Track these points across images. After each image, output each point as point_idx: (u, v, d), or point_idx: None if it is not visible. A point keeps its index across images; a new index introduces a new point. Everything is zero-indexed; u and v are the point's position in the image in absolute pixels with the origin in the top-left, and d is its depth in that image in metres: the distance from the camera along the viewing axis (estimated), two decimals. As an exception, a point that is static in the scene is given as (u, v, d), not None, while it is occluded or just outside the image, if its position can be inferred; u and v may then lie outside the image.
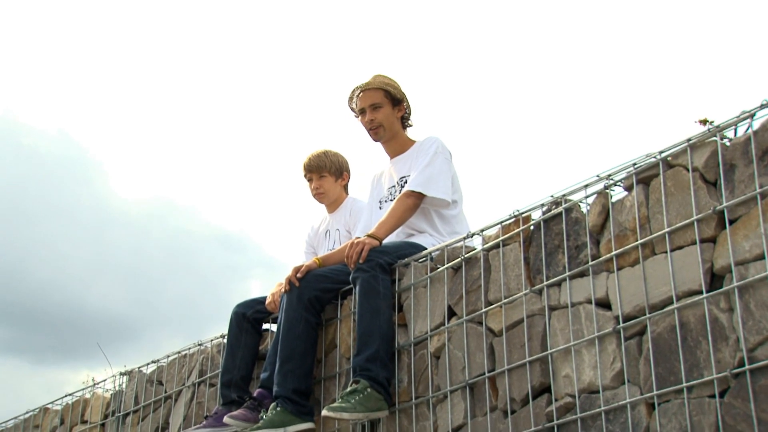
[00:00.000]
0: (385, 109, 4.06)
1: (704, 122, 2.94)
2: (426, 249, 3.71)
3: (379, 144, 4.20)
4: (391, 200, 4.07)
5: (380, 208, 4.15)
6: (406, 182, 3.99)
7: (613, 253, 2.85)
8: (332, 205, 4.63)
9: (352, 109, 4.19)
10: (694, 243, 2.63)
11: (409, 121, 4.18)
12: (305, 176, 4.62)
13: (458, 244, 3.48)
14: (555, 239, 3.07)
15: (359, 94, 4.13)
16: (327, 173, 4.58)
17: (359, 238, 3.72)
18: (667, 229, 2.71)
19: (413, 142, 4.14)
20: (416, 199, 3.85)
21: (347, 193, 4.67)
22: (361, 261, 3.57)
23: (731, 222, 2.57)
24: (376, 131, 4.08)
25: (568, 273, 2.98)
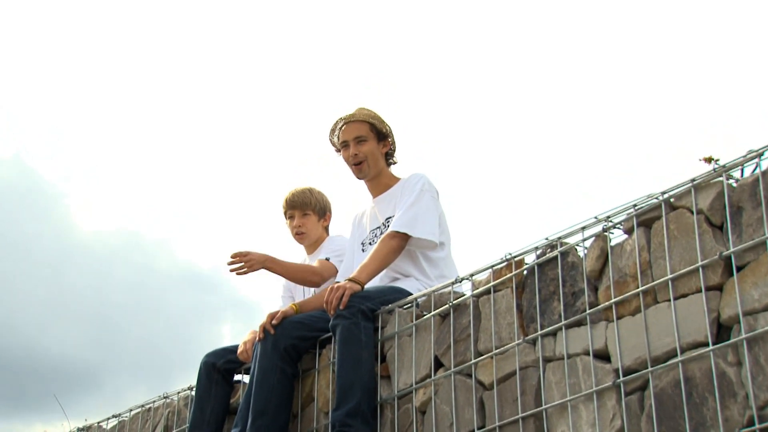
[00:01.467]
0: (369, 144, 4.09)
1: (709, 160, 2.96)
2: (411, 294, 3.72)
3: (361, 183, 4.22)
4: (375, 242, 4.07)
5: (363, 250, 4.15)
6: (390, 222, 4.00)
7: (613, 300, 2.86)
8: (312, 246, 4.63)
9: (333, 144, 4.21)
10: (700, 291, 2.65)
11: (394, 158, 4.20)
12: (286, 213, 4.63)
13: (446, 290, 3.48)
14: (550, 285, 3.09)
15: (342, 126, 4.15)
16: (311, 211, 4.59)
17: (339, 282, 3.72)
18: (670, 276, 2.73)
19: (398, 179, 4.16)
20: (401, 241, 3.86)
21: (328, 234, 4.68)
22: (341, 307, 3.57)
23: (739, 269, 2.58)
24: (359, 167, 4.10)
25: (564, 322, 2.98)
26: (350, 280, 3.69)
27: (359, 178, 4.17)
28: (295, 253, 4.87)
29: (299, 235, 4.60)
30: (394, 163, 4.22)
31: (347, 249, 4.32)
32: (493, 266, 3.29)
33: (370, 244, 4.13)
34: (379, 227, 4.10)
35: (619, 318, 2.84)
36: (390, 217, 4.04)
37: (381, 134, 4.14)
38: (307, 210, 4.59)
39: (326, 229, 4.69)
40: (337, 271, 4.28)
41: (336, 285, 3.67)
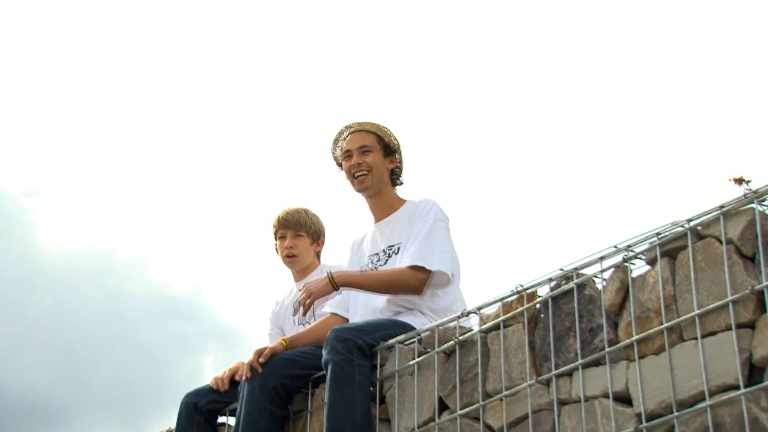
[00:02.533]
0: (375, 155, 4.05)
1: (740, 181, 2.94)
2: (414, 329, 3.68)
3: (362, 202, 4.18)
4: (374, 270, 4.03)
5: None
6: (394, 251, 3.96)
7: (634, 338, 2.83)
8: (302, 273, 4.58)
9: (335, 158, 4.18)
10: (729, 328, 2.62)
11: (400, 179, 4.16)
12: (277, 233, 4.58)
13: (451, 324, 3.45)
14: (565, 320, 3.05)
15: (347, 135, 4.12)
16: (304, 233, 4.55)
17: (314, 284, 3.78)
18: (697, 312, 2.70)
19: (403, 201, 4.12)
20: (422, 275, 3.81)
21: (320, 262, 4.63)
22: (303, 310, 3.66)
23: (772, 304, 2.56)
24: (361, 179, 4.05)
25: (580, 361, 2.95)
26: (329, 275, 3.75)
27: (359, 191, 4.12)
28: (282, 279, 4.82)
29: (290, 257, 4.55)
30: (400, 183, 4.19)
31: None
32: (503, 299, 3.26)
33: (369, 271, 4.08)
34: (377, 253, 4.06)
35: (641, 357, 2.81)
36: (394, 246, 3.99)
37: (388, 148, 4.11)
38: (300, 231, 4.54)
39: (318, 255, 4.65)
40: None
41: (308, 287, 3.73)
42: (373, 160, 4.06)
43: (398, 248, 3.97)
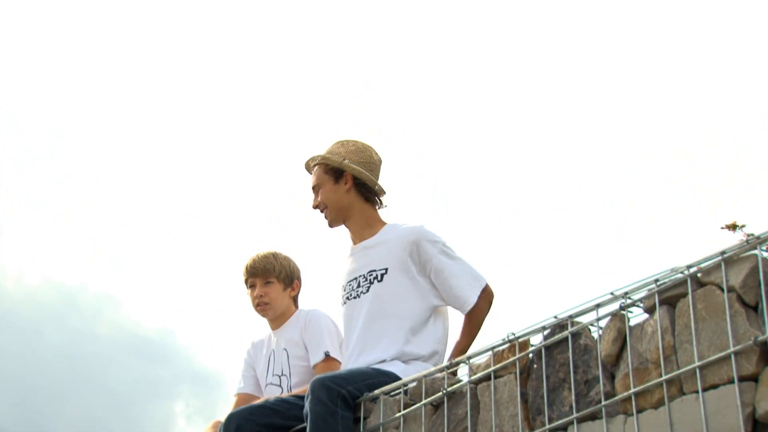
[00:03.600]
0: (325, 188, 4.07)
1: (733, 227, 2.98)
2: (399, 378, 3.68)
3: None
4: (354, 297, 4.04)
5: (343, 303, 4.13)
6: (377, 278, 3.94)
7: (632, 390, 2.85)
8: (277, 320, 4.57)
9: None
10: (732, 381, 2.64)
11: (377, 197, 4.12)
12: (246, 281, 4.57)
13: (439, 374, 3.46)
14: (559, 371, 3.07)
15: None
16: (275, 279, 4.53)
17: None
18: (697, 363, 2.72)
19: (384, 224, 4.12)
20: (484, 297, 3.93)
21: (297, 307, 4.62)
22: None
23: (777, 356, 2.58)
24: (324, 216, 4.12)
25: (576, 414, 2.97)
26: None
27: (332, 227, 4.16)
28: (257, 328, 4.81)
29: (261, 306, 4.53)
30: (380, 205, 4.15)
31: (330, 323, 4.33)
32: (493, 348, 3.27)
33: (348, 299, 4.08)
34: (356, 278, 4.04)
35: (639, 411, 2.83)
36: (374, 270, 3.98)
37: (336, 172, 4.08)
38: (270, 277, 4.52)
39: (294, 300, 4.64)
40: None
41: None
42: (324, 196, 4.10)
43: (382, 275, 3.95)
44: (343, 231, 4.22)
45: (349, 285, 4.08)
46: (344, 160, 4.05)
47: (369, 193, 4.11)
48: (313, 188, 4.15)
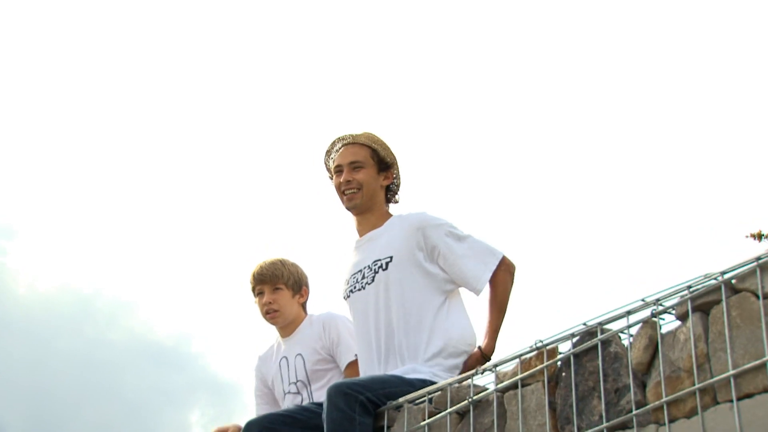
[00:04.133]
0: (367, 171, 4.07)
1: (759, 237, 2.97)
2: (422, 386, 3.68)
3: (348, 217, 4.20)
4: (359, 289, 4.03)
5: (346, 297, 4.14)
6: (381, 266, 3.94)
7: (664, 399, 2.84)
8: (287, 328, 4.56)
9: (328, 168, 4.21)
10: (767, 390, 2.63)
11: (397, 197, 4.17)
12: (254, 289, 4.57)
13: (465, 382, 3.46)
14: (589, 379, 3.06)
15: (340, 148, 4.15)
16: (283, 285, 4.53)
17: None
18: (732, 372, 2.71)
19: (389, 216, 4.13)
20: (504, 267, 3.95)
21: (306, 314, 4.61)
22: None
23: (814, 365, 2.57)
24: (351, 196, 4.08)
25: (605, 424, 2.96)
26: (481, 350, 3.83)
27: (348, 208, 4.15)
28: (267, 336, 4.80)
29: (271, 314, 4.53)
30: (396, 202, 4.20)
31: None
32: (520, 355, 3.27)
33: (351, 291, 4.09)
34: (361, 270, 4.05)
35: (671, 421, 2.82)
36: (379, 260, 3.98)
37: (383, 163, 4.12)
38: (278, 284, 4.52)
39: (303, 306, 4.63)
40: None
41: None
42: (364, 177, 4.08)
43: (386, 263, 3.96)
44: (347, 224, 4.21)
45: (353, 278, 4.08)
46: (393, 155, 4.15)
47: (392, 194, 4.17)
48: (351, 163, 4.12)
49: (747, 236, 3.24)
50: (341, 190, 4.16)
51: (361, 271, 4.06)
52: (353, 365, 4.28)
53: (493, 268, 3.90)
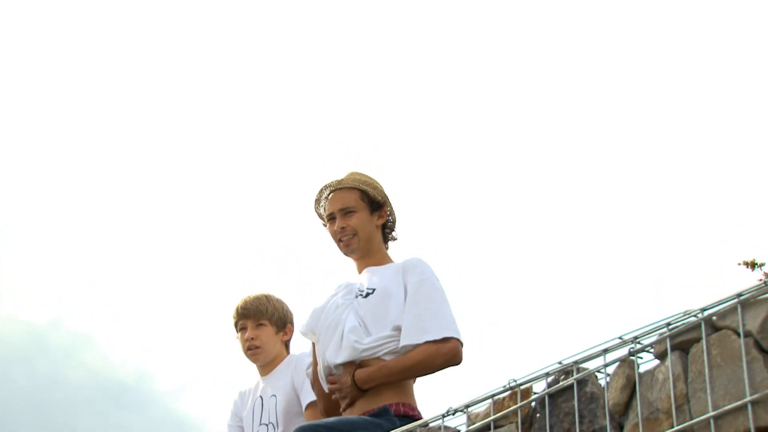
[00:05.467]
0: (360, 215, 4.11)
1: (752, 265, 3.00)
2: (393, 427, 3.68)
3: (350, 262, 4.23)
4: (337, 304, 4.06)
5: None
6: (362, 294, 3.97)
7: (642, 442, 2.85)
8: (268, 366, 4.58)
9: (320, 216, 4.26)
10: (748, 432, 2.64)
11: (393, 234, 4.22)
12: (237, 324, 4.59)
13: (435, 424, 3.45)
14: (564, 421, 3.07)
15: (328, 195, 4.19)
16: (267, 321, 4.55)
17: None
18: (712, 413, 2.72)
19: (390, 260, 4.18)
20: (448, 345, 3.88)
21: (288, 352, 4.64)
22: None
23: (796, 406, 2.59)
24: (347, 242, 4.12)
25: (581, 468, 2.96)
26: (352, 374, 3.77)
27: (347, 255, 4.19)
28: (246, 373, 4.81)
29: (252, 350, 4.55)
30: (394, 239, 4.25)
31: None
32: (493, 395, 3.28)
33: (328, 303, 4.12)
34: (344, 291, 4.08)
35: (650, 464, 2.83)
36: (362, 290, 4.01)
37: (374, 203, 4.16)
38: (262, 319, 4.55)
39: (286, 345, 4.65)
40: None
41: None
42: (357, 222, 4.11)
43: (368, 293, 4.00)
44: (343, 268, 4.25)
45: (333, 296, 4.13)
46: (383, 193, 4.18)
47: (389, 230, 4.22)
48: (342, 210, 4.16)
49: (740, 263, 3.26)
50: (337, 238, 4.21)
51: (345, 290, 4.12)
52: (313, 406, 4.28)
53: (428, 339, 3.88)
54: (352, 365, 3.93)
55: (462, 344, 3.93)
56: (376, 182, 4.25)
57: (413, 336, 3.89)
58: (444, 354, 3.90)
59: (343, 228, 4.14)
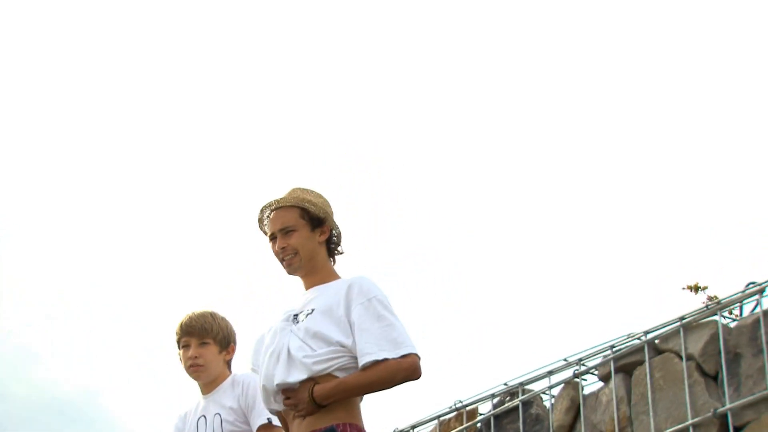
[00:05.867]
0: (300, 233, 4.09)
1: (695, 289, 3.04)
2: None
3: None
4: (276, 330, 4.04)
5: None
6: (303, 316, 3.97)
7: (586, 464, 2.89)
8: (209, 385, 4.55)
9: (265, 232, 4.25)
10: (690, 455, 2.69)
11: (339, 248, 4.19)
12: (179, 341, 4.55)
13: (381, 444, 3.48)
14: (509, 442, 3.10)
15: (269, 214, 4.18)
16: (211, 340, 4.52)
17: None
18: (654, 435, 2.77)
19: (337, 277, 4.17)
20: (408, 361, 3.85)
21: (230, 371, 4.63)
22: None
23: (737, 429, 2.64)
24: (289, 262, 4.10)
25: (526, 489, 2.99)
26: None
27: (291, 274, 4.18)
28: (187, 391, 4.78)
29: (195, 368, 4.52)
30: (340, 253, 4.23)
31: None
32: (439, 416, 3.30)
33: (268, 332, 4.10)
34: (287, 318, 4.07)
35: (593, 486, 2.87)
36: (302, 312, 4.00)
37: (315, 220, 4.14)
38: (206, 338, 4.52)
39: (228, 364, 4.65)
40: None
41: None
42: (297, 241, 4.09)
43: (307, 315, 4.00)
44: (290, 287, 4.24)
45: (273, 325, 4.12)
46: (327, 212, 4.16)
47: (335, 245, 4.20)
48: (282, 230, 4.16)
49: (684, 288, 3.30)
50: (280, 258, 4.21)
51: (288, 317, 4.11)
52: (264, 429, 4.28)
53: (386, 357, 3.90)
54: (310, 381, 3.93)
55: (420, 358, 3.95)
56: (318, 198, 4.24)
57: (372, 354, 3.89)
58: (405, 369, 3.91)
59: (283, 248, 4.13)
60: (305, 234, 4.08)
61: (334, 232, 4.12)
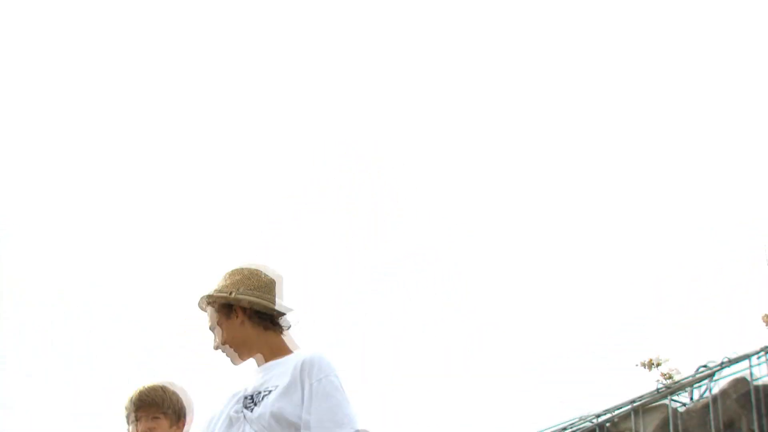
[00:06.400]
0: (220, 327, 4.08)
1: (650, 365, 3.18)
2: None
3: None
4: (229, 416, 4.01)
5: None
6: (259, 399, 3.94)
7: None
8: None
9: None
10: None
11: (284, 319, 4.14)
12: (130, 416, 4.49)
13: None
14: None
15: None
16: (162, 415, 4.48)
17: None
18: None
19: (290, 351, 4.14)
20: None
21: None
22: None
23: None
24: (228, 356, 4.11)
25: None
26: None
27: (236, 365, 4.16)
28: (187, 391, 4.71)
29: None
30: (286, 326, 4.18)
31: None
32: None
33: (221, 418, 4.05)
34: (248, 395, 4.03)
35: None
36: (260, 392, 3.97)
37: (225, 307, 4.11)
38: (157, 412, 4.48)
39: None
40: None
41: None
42: (221, 336, 4.10)
43: (263, 396, 3.97)
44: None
45: (225, 407, 4.07)
46: (231, 293, 4.06)
47: (265, 320, 4.15)
48: (211, 329, 4.16)
49: (638, 364, 3.43)
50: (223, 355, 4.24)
51: (239, 399, 4.05)
52: None
53: None
54: None
55: None
56: (232, 277, 4.20)
57: None
58: None
59: (217, 346, 4.15)
60: (225, 324, 4.13)
61: (254, 307, 4.09)
